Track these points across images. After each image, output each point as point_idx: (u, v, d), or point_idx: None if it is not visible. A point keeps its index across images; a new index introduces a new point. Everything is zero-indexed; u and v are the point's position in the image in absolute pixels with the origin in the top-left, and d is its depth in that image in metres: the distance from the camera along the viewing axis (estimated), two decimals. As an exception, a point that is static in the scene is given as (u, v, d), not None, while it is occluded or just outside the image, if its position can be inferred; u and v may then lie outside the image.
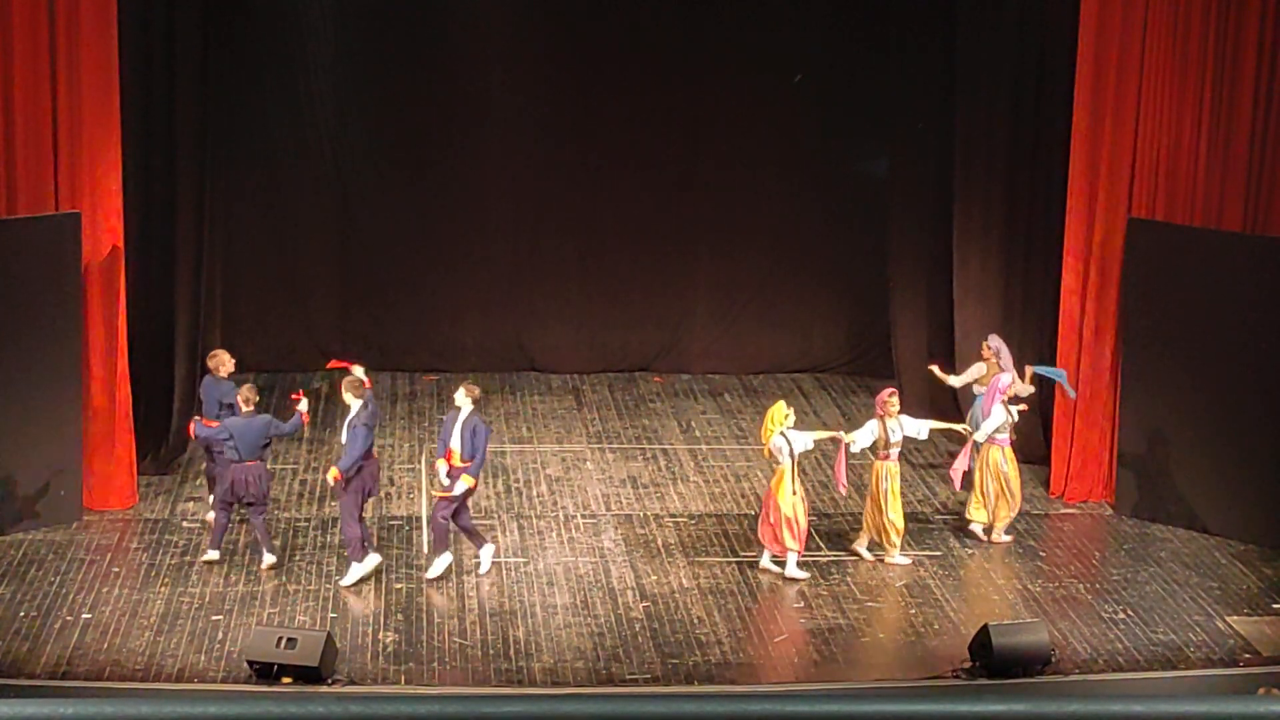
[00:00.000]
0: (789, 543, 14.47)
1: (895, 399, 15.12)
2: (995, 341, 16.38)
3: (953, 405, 16.95)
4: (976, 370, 16.49)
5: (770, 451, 14.68)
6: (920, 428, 15.28)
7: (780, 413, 14.66)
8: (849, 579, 14.71)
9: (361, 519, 14.26)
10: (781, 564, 14.63)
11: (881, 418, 14.94)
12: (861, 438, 14.95)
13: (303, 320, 19.84)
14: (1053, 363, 16.49)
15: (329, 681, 12.44)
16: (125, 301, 15.47)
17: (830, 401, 19.59)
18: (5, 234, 14.75)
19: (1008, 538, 15.50)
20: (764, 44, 19.71)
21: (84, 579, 14.28)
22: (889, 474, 14.94)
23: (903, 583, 14.69)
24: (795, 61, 19.73)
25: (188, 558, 14.74)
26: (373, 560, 14.31)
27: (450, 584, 14.35)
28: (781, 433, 14.58)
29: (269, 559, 14.43)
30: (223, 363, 15.21)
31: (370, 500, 14.67)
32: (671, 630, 13.67)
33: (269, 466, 14.87)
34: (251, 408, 14.41)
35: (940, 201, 18.01)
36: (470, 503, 14.60)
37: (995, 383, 15.48)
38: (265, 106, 19.28)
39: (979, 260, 17.44)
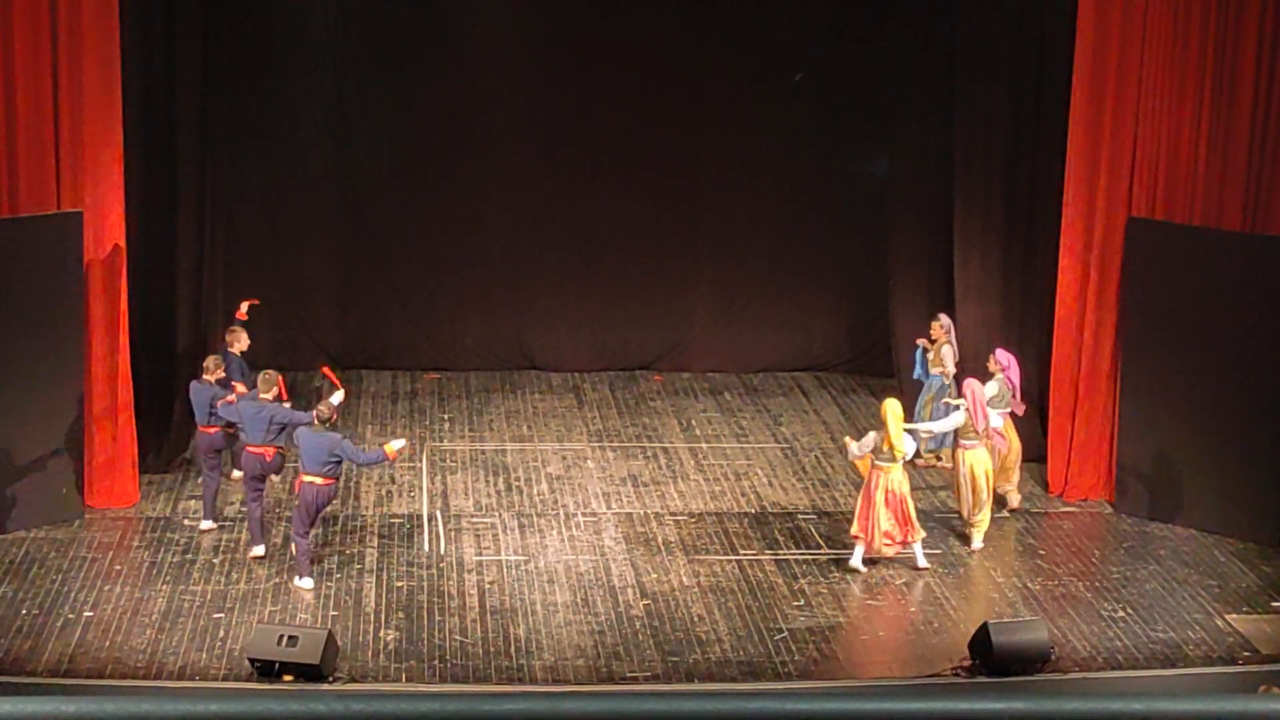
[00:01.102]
0: (887, 533, 14.69)
1: None
2: (946, 320, 16.97)
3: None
4: (949, 356, 16.79)
5: (902, 451, 14.68)
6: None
7: (900, 408, 14.77)
8: (849, 577, 14.74)
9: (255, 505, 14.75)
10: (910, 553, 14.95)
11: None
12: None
13: (303, 319, 19.87)
14: (1051, 363, 16.58)
15: (330, 679, 12.47)
16: (127, 300, 15.50)
17: (830, 400, 19.62)
18: (7, 233, 14.77)
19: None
20: (764, 44, 19.72)
21: (86, 577, 14.30)
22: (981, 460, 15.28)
23: (902, 580, 14.72)
24: (795, 61, 19.75)
25: (189, 556, 14.78)
26: (258, 550, 14.74)
27: (447, 581, 14.40)
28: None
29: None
30: (238, 339, 15.79)
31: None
32: (672, 628, 13.70)
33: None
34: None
35: (940, 201, 18.02)
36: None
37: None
38: (266, 106, 19.30)
39: (979, 259, 17.46)
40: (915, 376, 17.32)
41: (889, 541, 14.65)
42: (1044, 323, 16.91)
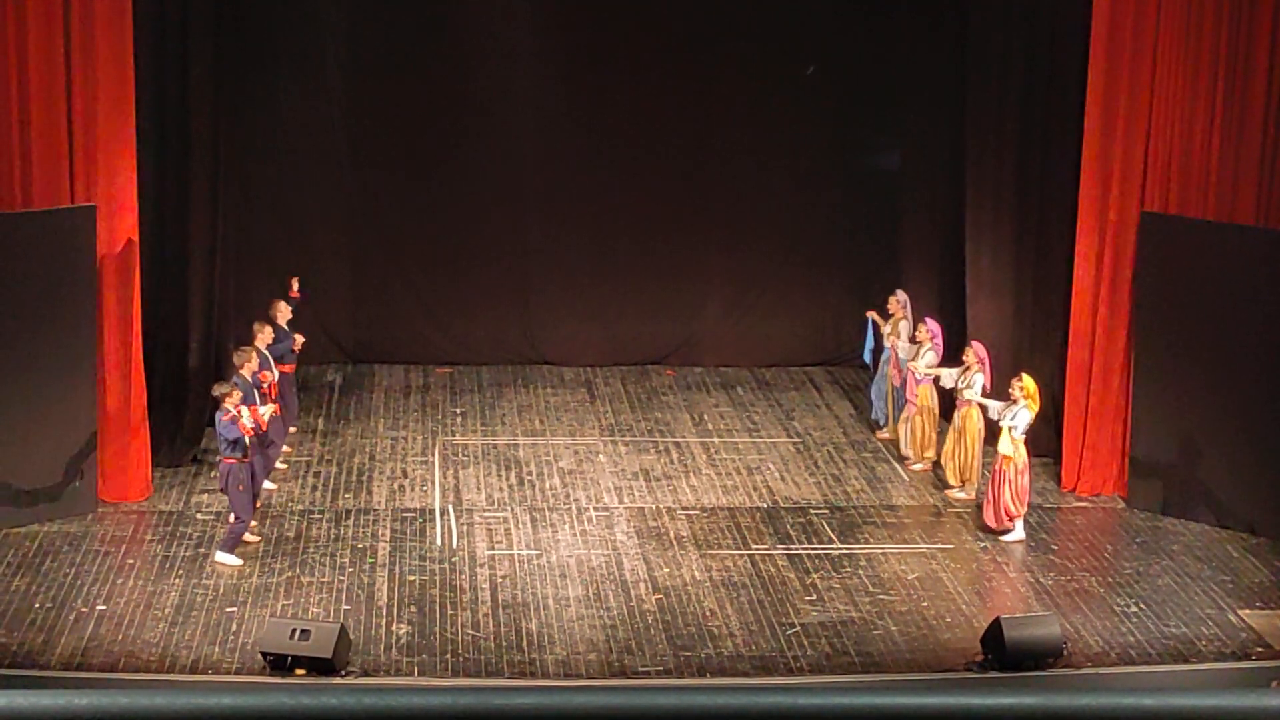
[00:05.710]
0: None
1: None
2: (903, 296, 17.76)
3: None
4: (905, 330, 17.49)
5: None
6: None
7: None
8: (861, 572, 14.73)
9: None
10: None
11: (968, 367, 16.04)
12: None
13: (315, 313, 19.87)
14: (1064, 358, 16.56)
15: (342, 673, 12.49)
16: (140, 294, 15.52)
17: (842, 395, 19.61)
18: (21, 227, 14.79)
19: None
20: (776, 36, 19.72)
21: (99, 571, 14.33)
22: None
23: (915, 575, 14.72)
24: (807, 54, 19.76)
25: (202, 550, 14.79)
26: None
27: (459, 574, 14.42)
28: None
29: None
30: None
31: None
32: (684, 623, 13.69)
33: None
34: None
35: (952, 195, 18.01)
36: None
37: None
38: (278, 100, 19.34)
39: (991, 254, 17.43)
40: (865, 357, 18.22)
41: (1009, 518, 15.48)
42: (1056, 317, 16.88)
